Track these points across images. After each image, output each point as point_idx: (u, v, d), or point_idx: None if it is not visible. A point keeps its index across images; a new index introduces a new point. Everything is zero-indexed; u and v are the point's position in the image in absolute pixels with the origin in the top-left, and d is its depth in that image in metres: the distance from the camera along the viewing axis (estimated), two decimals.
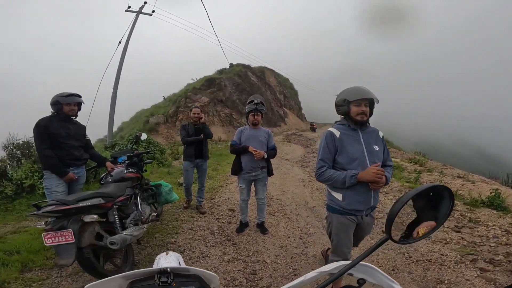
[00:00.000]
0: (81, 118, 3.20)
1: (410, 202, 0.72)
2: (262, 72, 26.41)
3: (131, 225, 2.70)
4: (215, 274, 0.71)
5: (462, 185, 5.86)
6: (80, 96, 3.01)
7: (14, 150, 4.90)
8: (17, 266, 2.64)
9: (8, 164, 4.83)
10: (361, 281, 0.71)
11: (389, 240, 0.71)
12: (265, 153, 3.34)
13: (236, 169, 3.45)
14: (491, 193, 4.79)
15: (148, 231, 3.47)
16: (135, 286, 0.63)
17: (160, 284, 0.63)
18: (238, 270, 2.80)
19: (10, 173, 4.62)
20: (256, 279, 2.67)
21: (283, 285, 0.71)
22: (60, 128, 2.83)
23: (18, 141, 4.94)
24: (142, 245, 3.20)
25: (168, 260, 1.02)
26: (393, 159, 8.59)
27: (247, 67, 23.80)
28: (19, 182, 4.47)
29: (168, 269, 0.65)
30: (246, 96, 20.57)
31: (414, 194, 0.69)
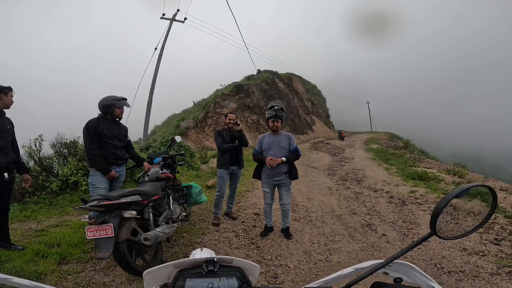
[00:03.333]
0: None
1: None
2: (289, 79, 26.32)
3: (163, 223, 2.84)
4: (257, 265, 0.73)
5: (505, 197, 5.39)
6: (126, 99, 3.29)
7: (62, 148, 5.37)
8: (56, 259, 2.78)
9: (55, 161, 5.26)
10: (398, 280, 0.70)
11: (431, 242, 0.71)
12: (283, 158, 3.35)
13: (257, 174, 3.59)
14: None
15: (177, 230, 3.56)
16: (183, 274, 0.67)
17: (207, 272, 0.67)
18: (260, 273, 2.82)
19: (56, 169, 5.06)
20: (277, 282, 2.68)
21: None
22: (106, 128, 3.09)
23: (65, 140, 5.41)
24: (170, 243, 3.32)
25: (203, 255, 1.08)
26: (428, 170, 8.24)
27: (275, 73, 23.82)
28: (64, 178, 4.84)
29: (215, 259, 0.69)
30: None
31: (460, 192, 0.68)
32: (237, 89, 18.97)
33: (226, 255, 3.08)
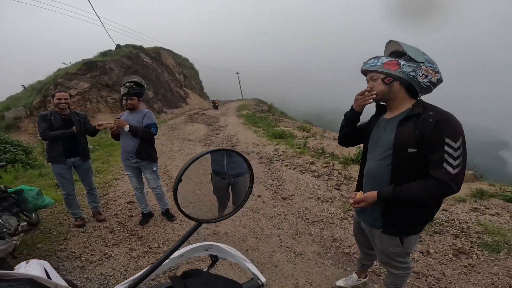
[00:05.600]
0: None
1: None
2: (157, 53, 24.12)
3: None
4: (42, 277, 0.64)
5: (337, 146, 6.61)
6: None
7: None
8: None
9: None
10: (214, 258, 0.75)
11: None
12: (127, 126, 2.91)
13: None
14: (356, 151, 5.54)
15: (26, 242, 2.99)
16: None
17: None
18: (151, 264, 2.63)
19: None
20: (173, 268, 2.55)
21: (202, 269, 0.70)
22: None
23: None
24: (19, 258, 2.64)
25: (27, 269, 0.87)
26: (286, 128, 9.85)
27: (139, 48, 21.28)
28: None
29: None
30: None
31: (189, 164, 0.64)
32: (89, 67, 15.77)
33: (104, 255, 2.80)
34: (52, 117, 3.09)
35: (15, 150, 6.03)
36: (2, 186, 2.89)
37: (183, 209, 0.65)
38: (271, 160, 5.94)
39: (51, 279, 0.71)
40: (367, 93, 1.44)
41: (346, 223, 3.26)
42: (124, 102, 3.06)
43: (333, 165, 5.36)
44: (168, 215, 3.53)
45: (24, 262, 0.96)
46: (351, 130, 1.65)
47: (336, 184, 4.48)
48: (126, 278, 0.76)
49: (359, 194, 1.45)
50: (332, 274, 2.41)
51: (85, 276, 2.51)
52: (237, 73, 46.77)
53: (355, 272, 2.19)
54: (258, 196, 4.10)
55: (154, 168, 3.22)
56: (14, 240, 2.39)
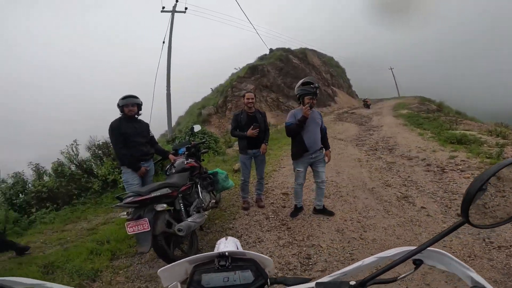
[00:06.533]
0: (144, 116, 3.55)
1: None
2: (303, 54, 25.44)
3: (194, 212, 2.90)
4: (270, 258, 0.73)
5: None
6: (136, 97, 3.29)
7: (96, 150, 5.72)
8: (108, 255, 3.00)
9: (93, 163, 5.65)
10: (418, 262, 0.64)
11: (466, 224, 0.62)
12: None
13: (299, 151, 3.38)
14: None
15: (209, 217, 3.64)
16: (198, 270, 0.69)
17: (219, 267, 0.67)
18: (293, 255, 2.82)
19: (95, 171, 5.42)
20: (310, 263, 2.66)
21: (339, 269, 0.69)
22: (128, 127, 3.19)
23: (98, 142, 5.74)
24: (204, 231, 3.41)
25: (227, 245, 1.08)
26: (468, 132, 7.62)
27: (288, 50, 23.29)
28: (103, 178, 5.19)
29: (226, 253, 0.69)
30: (290, 79, 20.07)
31: (496, 171, 0.58)
32: (252, 70, 18.77)
33: (258, 238, 3.18)
34: (241, 116, 3.79)
35: (209, 139, 8.16)
36: (204, 168, 3.84)
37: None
38: (444, 169, 4.91)
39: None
40: None
41: None
42: (307, 100, 3.28)
43: None
44: (325, 211, 3.63)
45: (224, 239, 1.16)
46: None
47: None
48: None
49: None
50: None
51: None
52: (391, 68, 41.38)
53: None
54: (422, 207, 3.61)
55: (326, 160, 3.54)
56: (206, 214, 3.04)
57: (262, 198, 4.21)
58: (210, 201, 3.40)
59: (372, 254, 0.72)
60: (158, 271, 0.70)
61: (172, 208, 2.74)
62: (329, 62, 30.56)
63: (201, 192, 3.29)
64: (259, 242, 3.13)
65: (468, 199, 0.57)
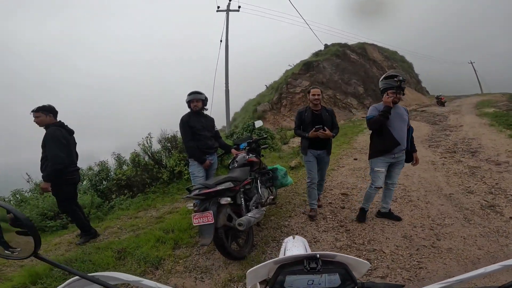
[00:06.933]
0: (207, 112, 3.71)
1: None
2: (362, 49, 23.65)
3: (253, 207, 2.91)
4: (367, 262, 0.68)
5: None
6: (200, 93, 3.46)
7: (166, 143, 6.29)
8: (171, 244, 3.05)
9: (163, 154, 6.17)
10: None
11: None
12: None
13: (388, 147, 3.05)
14: None
15: (265, 213, 3.58)
16: (284, 270, 0.66)
17: (309, 269, 0.64)
18: None
19: (165, 162, 5.93)
20: (370, 268, 2.45)
21: (403, 277, 0.59)
22: (196, 122, 3.41)
23: (167, 135, 6.30)
24: (260, 227, 3.38)
25: (295, 244, 1.05)
26: None
27: (345, 45, 21.99)
28: (171, 169, 5.61)
29: (318, 255, 0.65)
30: (348, 75, 18.98)
31: None
32: (307, 67, 18.36)
33: (314, 238, 3.08)
34: (306, 113, 3.41)
35: (266, 135, 8.26)
36: (263, 163, 3.84)
37: None
38: None
39: None
40: None
41: None
42: (391, 95, 3.02)
43: None
44: (392, 215, 3.33)
45: (291, 237, 1.12)
46: None
47: None
48: None
49: None
50: None
51: None
52: (471, 62, 35.82)
53: None
54: (511, 218, 3.12)
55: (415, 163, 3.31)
56: (264, 210, 3.00)
57: (320, 198, 4.02)
58: (268, 197, 3.39)
59: (445, 264, 0.61)
60: (247, 272, 0.69)
61: (233, 202, 2.76)
62: (392, 56, 27.96)
63: (261, 188, 3.31)
64: (314, 242, 3.03)
65: None
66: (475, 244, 2.69)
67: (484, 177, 4.47)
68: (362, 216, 3.39)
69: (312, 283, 0.65)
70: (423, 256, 2.55)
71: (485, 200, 3.62)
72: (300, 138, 3.59)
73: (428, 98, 23.85)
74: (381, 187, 3.22)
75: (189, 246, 3.12)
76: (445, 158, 5.86)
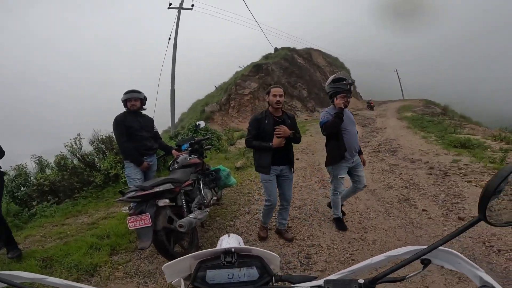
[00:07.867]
0: (148, 112, 3.53)
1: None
2: (308, 54, 25.43)
3: (195, 208, 2.87)
4: (276, 255, 0.72)
5: None
6: (139, 92, 3.28)
7: (99, 144, 5.72)
8: (107, 250, 2.95)
9: (96, 157, 5.63)
10: (426, 261, 0.63)
11: (479, 225, 0.60)
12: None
13: (340, 154, 2.96)
14: None
15: (210, 214, 3.61)
16: (203, 265, 0.68)
17: (225, 263, 0.67)
18: (293, 254, 2.82)
19: (98, 164, 5.41)
20: (310, 263, 2.67)
21: (339, 270, 0.68)
22: (132, 121, 3.19)
23: (101, 136, 5.74)
24: (205, 228, 3.38)
25: (229, 241, 1.08)
26: (472, 136, 7.56)
27: (293, 50, 23.27)
28: (106, 172, 5.17)
29: (233, 249, 0.68)
30: (295, 78, 20.05)
31: None
32: (257, 69, 18.75)
33: (258, 236, 3.15)
34: (265, 120, 2.77)
35: (212, 136, 8.16)
36: (206, 164, 3.82)
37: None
38: (446, 173, 4.90)
39: None
40: None
41: None
42: (340, 99, 2.90)
43: None
44: (339, 223, 3.28)
45: (226, 235, 1.14)
46: None
47: None
48: None
49: None
50: None
51: None
52: (396, 70, 41.35)
53: None
54: (423, 210, 3.61)
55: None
56: (207, 211, 3.00)
57: (287, 229, 3.21)
58: (211, 198, 3.38)
59: (372, 255, 0.71)
60: (163, 267, 0.70)
61: (174, 204, 2.71)
62: (334, 62, 30.53)
63: (203, 189, 3.28)
64: (260, 240, 3.12)
65: (487, 197, 0.56)
66: (395, 236, 3.03)
67: (401, 173, 5.16)
68: (340, 224, 3.25)
69: (232, 277, 0.67)
70: (354, 249, 2.83)
71: (402, 194, 4.16)
72: (254, 151, 2.94)
73: (361, 102, 26.58)
74: (343, 191, 3.25)
75: (128, 251, 2.98)
76: (371, 157, 6.60)
